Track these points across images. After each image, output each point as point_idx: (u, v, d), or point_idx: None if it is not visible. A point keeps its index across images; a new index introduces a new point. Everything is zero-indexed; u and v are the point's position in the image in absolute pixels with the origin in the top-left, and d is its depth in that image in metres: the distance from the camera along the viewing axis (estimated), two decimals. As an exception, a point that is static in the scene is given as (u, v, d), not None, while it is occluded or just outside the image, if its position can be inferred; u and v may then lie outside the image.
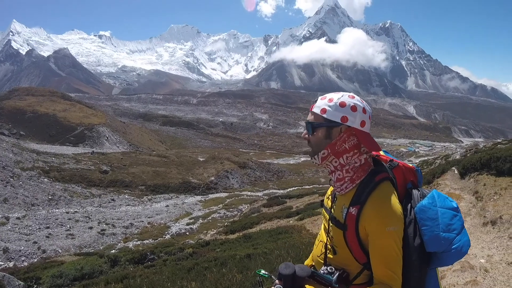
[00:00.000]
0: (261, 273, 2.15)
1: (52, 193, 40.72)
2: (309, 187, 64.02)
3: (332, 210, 2.21)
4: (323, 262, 2.20)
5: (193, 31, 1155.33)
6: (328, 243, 2.20)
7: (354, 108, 2.04)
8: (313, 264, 2.40)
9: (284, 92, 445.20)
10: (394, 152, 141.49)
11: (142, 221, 37.16)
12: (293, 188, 62.49)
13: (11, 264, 23.41)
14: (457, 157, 27.95)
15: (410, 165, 2.20)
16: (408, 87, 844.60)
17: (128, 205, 43.41)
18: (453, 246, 1.89)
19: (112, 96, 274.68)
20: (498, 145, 28.60)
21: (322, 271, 2.07)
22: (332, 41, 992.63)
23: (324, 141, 2.07)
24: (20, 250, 26.01)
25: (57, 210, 37.01)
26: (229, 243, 16.24)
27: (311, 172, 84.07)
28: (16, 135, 77.36)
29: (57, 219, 33.96)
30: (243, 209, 41.96)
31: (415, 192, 2.07)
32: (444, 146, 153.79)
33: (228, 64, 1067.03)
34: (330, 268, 2.07)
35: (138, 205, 44.13)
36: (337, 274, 2.03)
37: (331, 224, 2.17)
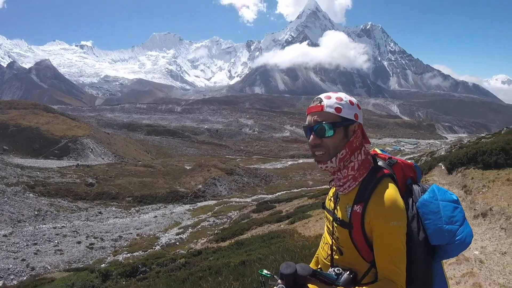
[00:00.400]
0: (263, 273, 2.14)
1: (38, 208, 40.23)
2: (297, 190, 64.20)
3: (336, 211, 2.20)
4: (329, 262, 2.20)
5: (175, 38, 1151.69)
6: (333, 244, 2.19)
7: (358, 105, 2.09)
8: (319, 267, 2.38)
9: (268, 97, 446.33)
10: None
11: (131, 233, 36.88)
12: (282, 192, 62.62)
13: (0, 283, 23.02)
14: (442, 153, 28.26)
15: (409, 161, 2.21)
16: (391, 87, 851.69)
17: (116, 217, 43.04)
18: (457, 238, 1.91)
19: (96, 107, 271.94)
20: (482, 139, 28.91)
21: (330, 271, 2.07)
22: (314, 44, 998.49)
23: (343, 141, 2.04)
24: (8, 269, 25.63)
25: (44, 226, 36.50)
26: (222, 251, 16.11)
27: (298, 175, 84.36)
28: (-1, 150, 76.42)
29: (44, 235, 33.51)
30: (233, 216, 41.87)
31: (415, 187, 2.09)
32: (429, 143, 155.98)
33: (212, 71, 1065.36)
34: (338, 269, 2.06)
35: (126, 217, 43.75)
36: (345, 274, 2.02)
37: (335, 225, 2.16)
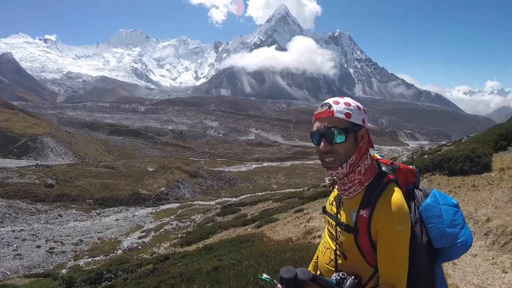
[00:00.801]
0: (263, 277, 2.21)
1: (-5, 211, 39.28)
2: (261, 193, 64.42)
3: (339, 215, 2.23)
4: (333, 268, 2.23)
5: (142, 36, 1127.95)
6: (337, 249, 2.22)
7: (364, 110, 2.16)
8: (319, 273, 2.43)
9: (234, 99, 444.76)
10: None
11: (92, 237, 36.25)
12: (246, 196, 62.71)
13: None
14: (404, 159, 29.30)
15: (410, 167, 2.30)
16: (355, 94, 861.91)
17: (76, 220, 42.24)
18: (459, 240, 1.99)
19: (57, 104, 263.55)
20: (443, 147, 30.18)
21: (334, 277, 2.10)
22: (282, 49, 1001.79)
23: (353, 146, 2.08)
24: (-36, 275, 25.02)
25: (2, 229, 35.63)
26: (190, 256, 15.84)
27: (263, 179, 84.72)
28: (-45, 148, 74.15)
29: (3, 239, 32.74)
30: (196, 219, 41.78)
31: (418, 192, 2.17)
32: (391, 150, 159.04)
33: (178, 71, 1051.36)
34: (342, 274, 2.09)
35: (87, 220, 42.99)
36: (350, 278, 2.06)
37: (339, 229, 2.19)
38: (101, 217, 44.81)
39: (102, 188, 53.47)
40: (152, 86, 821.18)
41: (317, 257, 2.61)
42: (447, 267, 6.66)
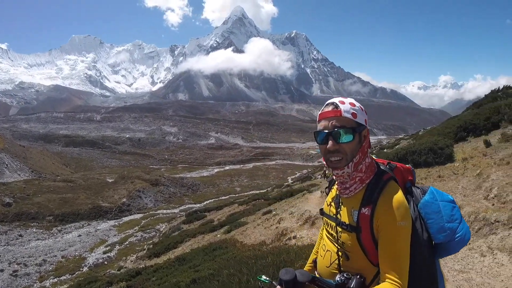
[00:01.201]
0: (262, 278, 2.20)
1: (-49, 235, 37.60)
2: (225, 197, 64.50)
3: (339, 215, 2.22)
4: (336, 270, 2.21)
5: (95, 41, 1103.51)
6: (339, 250, 2.20)
7: (365, 111, 2.16)
8: (318, 275, 2.37)
9: (192, 104, 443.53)
10: (305, 155, 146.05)
11: (56, 256, 35.13)
12: (210, 201, 62.60)
13: None
14: None
15: (407, 165, 2.32)
16: (313, 93, 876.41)
17: (38, 239, 40.66)
18: (457, 235, 2.03)
19: (10, 117, 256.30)
20: (401, 141, 30.72)
21: (338, 278, 2.07)
22: (239, 50, 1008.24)
23: (358, 146, 2.09)
24: None
25: (-40, 256, 34.02)
26: (163, 269, 15.43)
27: (225, 182, 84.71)
28: None
29: (-38, 266, 31.31)
30: (161, 229, 41.33)
31: (415, 189, 2.21)
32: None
33: (133, 76, 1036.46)
34: (347, 274, 2.08)
35: (49, 238, 41.45)
36: (356, 278, 2.04)
37: (339, 230, 2.18)
38: (63, 234, 43.40)
39: (61, 203, 51.76)
40: (107, 93, 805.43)
41: (313, 261, 2.63)
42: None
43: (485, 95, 23.69)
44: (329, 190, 2.49)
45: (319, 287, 2.05)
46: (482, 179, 9.56)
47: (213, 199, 64.08)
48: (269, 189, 62.07)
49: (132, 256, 30.87)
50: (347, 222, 2.12)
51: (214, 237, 21.82)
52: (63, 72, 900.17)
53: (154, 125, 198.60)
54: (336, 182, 2.28)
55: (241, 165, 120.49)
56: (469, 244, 6.92)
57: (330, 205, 2.36)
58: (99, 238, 41.26)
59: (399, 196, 2.00)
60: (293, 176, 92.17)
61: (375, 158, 2.33)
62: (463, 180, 10.43)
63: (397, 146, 29.94)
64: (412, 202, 2.12)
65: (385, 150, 19.48)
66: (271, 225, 17.17)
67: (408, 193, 2.19)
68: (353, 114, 2.05)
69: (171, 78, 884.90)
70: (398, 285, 1.87)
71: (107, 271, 26.43)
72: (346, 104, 2.08)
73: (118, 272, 23.10)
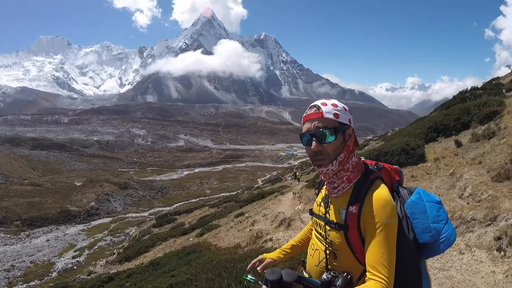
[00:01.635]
0: (247, 278, 2.22)
1: None
2: (195, 200, 64.54)
3: (327, 215, 2.23)
4: (324, 268, 2.21)
5: (63, 42, 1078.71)
6: (327, 249, 2.20)
7: (349, 110, 2.17)
8: (308, 275, 2.39)
9: (161, 106, 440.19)
10: (274, 157, 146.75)
11: (24, 261, 34.45)
12: (180, 204, 62.59)
13: None
14: None
15: (394, 166, 2.35)
16: (282, 95, 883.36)
17: (6, 244, 39.83)
18: (443, 236, 2.04)
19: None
20: (370, 142, 31.15)
21: (325, 276, 2.06)
22: (208, 52, 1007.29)
23: (342, 144, 2.10)
24: None
25: None
26: (137, 275, 15.10)
27: (195, 185, 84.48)
28: None
29: None
30: (131, 233, 41.01)
31: (402, 190, 2.23)
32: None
33: (101, 78, 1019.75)
34: (334, 273, 2.08)
35: (16, 243, 40.64)
36: (342, 276, 2.04)
37: (328, 228, 2.19)
38: (31, 238, 42.60)
39: (29, 207, 50.66)
40: (75, 95, 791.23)
41: (291, 246, 2.73)
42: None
43: (454, 96, 24.11)
44: (319, 191, 2.50)
45: (305, 286, 2.07)
46: (456, 178, 9.70)
47: (183, 202, 64.08)
48: (239, 191, 62.16)
49: (102, 260, 30.48)
50: (335, 221, 2.15)
51: (186, 240, 21.64)
52: (30, 73, 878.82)
53: (123, 128, 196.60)
54: (325, 183, 2.29)
55: (211, 168, 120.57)
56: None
57: (320, 205, 2.36)
58: (67, 242, 40.68)
59: (386, 194, 2.01)
60: (263, 178, 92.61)
61: (363, 159, 2.33)
62: (437, 180, 10.56)
63: (366, 147, 30.30)
64: (399, 202, 2.15)
65: (366, 150, 19.78)
66: (245, 228, 17.14)
67: (395, 193, 2.21)
68: (335, 114, 2.08)
69: (139, 80, 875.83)
70: (384, 282, 1.87)
71: (77, 276, 26.00)
72: (328, 106, 2.11)
73: (88, 277, 22.70)
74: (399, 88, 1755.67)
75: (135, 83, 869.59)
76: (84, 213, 52.35)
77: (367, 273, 1.96)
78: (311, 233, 2.58)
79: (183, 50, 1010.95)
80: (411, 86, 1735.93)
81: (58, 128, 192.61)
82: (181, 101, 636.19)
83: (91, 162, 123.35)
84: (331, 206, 2.22)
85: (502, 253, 5.85)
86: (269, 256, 2.61)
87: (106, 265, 26.44)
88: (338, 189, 2.17)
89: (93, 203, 55.82)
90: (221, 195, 66.94)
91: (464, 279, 5.71)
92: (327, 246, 2.19)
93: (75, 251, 37.17)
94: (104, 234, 43.40)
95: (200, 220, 29.02)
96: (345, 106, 2.15)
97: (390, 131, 50.28)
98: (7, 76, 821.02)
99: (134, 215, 54.64)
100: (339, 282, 2.01)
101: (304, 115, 2.21)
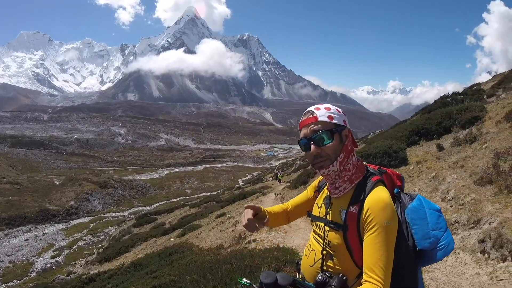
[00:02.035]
0: (242, 281, 2.16)
1: None
2: (175, 200, 64.47)
3: (327, 216, 2.24)
4: (319, 269, 2.21)
5: (44, 38, 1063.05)
6: (323, 249, 2.21)
7: (343, 112, 2.21)
8: (301, 276, 2.40)
9: (142, 104, 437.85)
10: (255, 157, 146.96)
11: (3, 261, 34.11)
12: (160, 203, 62.46)
13: None
14: None
15: (397, 172, 2.34)
16: (264, 96, 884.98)
17: (-16, 244, 39.24)
18: (441, 243, 2.03)
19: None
20: None
21: (320, 277, 2.06)
22: (191, 51, 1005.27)
23: (339, 145, 2.13)
24: None
25: None
26: (119, 275, 14.88)
27: (176, 184, 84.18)
28: None
29: None
30: (111, 232, 40.78)
31: (404, 196, 2.20)
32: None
33: (82, 75, 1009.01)
34: (329, 273, 2.08)
35: (-6, 242, 40.13)
36: (338, 277, 2.03)
37: (327, 229, 2.20)
38: (9, 238, 42.15)
39: (7, 206, 49.96)
40: (55, 92, 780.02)
41: (276, 212, 2.68)
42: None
43: (435, 101, 24.48)
44: (319, 193, 2.51)
45: None
46: (438, 181, 9.85)
47: (163, 202, 63.98)
48: (220, 191, 62.10)
49: (81, 260, 30.26)
50: (334, 221, 2.15)
51: (167, 240, 21.56)
52: (10, 69, 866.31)
53: (103, 126, 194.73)
54: (327, 184, 2.32)
55: (192, 167, 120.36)
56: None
57: (321, 206, 2.36)
58: (46, 242, 40.29)
59: (386, 197, 2.01)
60: (244, 178, 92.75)
61: (365, 163, 2.35)
62: (419, 183, 10.71)
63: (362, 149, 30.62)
64: (400, 207, 2.14)
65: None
66: (227, 228, 17.14)
67: (396, 198, 2.20)
68: (329, 117, 2.12)
69: (120, 77, 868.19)
70: (380, 285, 1.86)
71: (56, 276, 25.75)
72: (321, 110, 2.16)
73: (68, 277, 22.46)
74: (380, 91, 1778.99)
75: (116, 81, 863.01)
76: (63, 212, 51.83)
77: (363, 275, 1.95)
78: (286, 213, 2.70)
79: (165, 48, 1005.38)
80: (392, 90, 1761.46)
81: (38, 126, 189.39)
82: (163, 100, 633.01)
83: (71, 160, 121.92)
84: (332, 207, 2.23)
85: (486, 255, 5.98)
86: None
87: (85, 265, 26.20)
88: (339, 190, 2.19)
89: (72, 202, 55.30)
90: (201, 195, 66.89)
91: (449, 281, 5.81)
92: (324, 246, 2.20)
93: (54, 250, 36.88)
94: (84, 233, 43.10)
95: (181, 220, 28.94)
96: (338, 109, 2.20)
97: (371, 133, 50.81)
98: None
99: (113, 214, 54.34)
100: (334, 283, 2.00)
101: (299, 122, 2.26)
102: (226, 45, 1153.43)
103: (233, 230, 15.94)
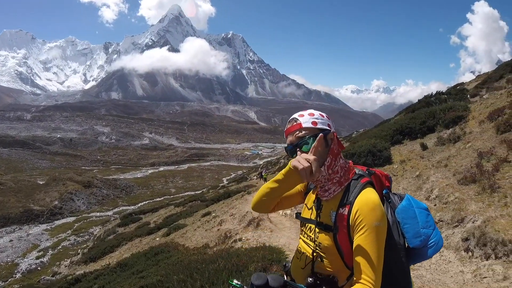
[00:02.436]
0: (233, 283, 2.14)
1: None
2: (160, 199, 64.41)
3: (318, 218, 2.23)
4: (309, 271, 2.21)
5: (27, 37, 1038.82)
6: (314, 252, 2.21)
7: (327, 116, 2.21)
8: (291, 278, 2.41)
9: (126, 103, 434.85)
10: (240, 156, 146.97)
11: (-13, 262, 33.59)
12: (144, 202, 62.33)
13: None
14: None
15: (385, 172, 2.38)
16: (249, 95, 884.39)
17: (-33, 245, 38.83)
18: (431, 241, 2.06)
19: None
20: None
21: (310, 279, 2.08)
22: (175, 50, 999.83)
23: (325, 149, 2.14)
24: None
25: None
26: (105, 276, 14.69)
27: (160, 184, 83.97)
28: None
29: None
30: (95, 232, 40.58)
31: (393, 196, 2.24)
32: (284, 147, 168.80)
33: (65, 74, 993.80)
34: (319, 275, 2.11)
35: (-21, 243, 39.67)
36: (327, 280, 2.06)
37: (317, 230, 2.20)
38: (-7, 239, 41.72)
39: (-9, 207, 49.26)
40: (38, 91, 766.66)
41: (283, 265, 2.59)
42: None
43: (419, 100, 24.73)
44: (308, 192, 2.49)
45: None
46: (422, 180, 9.98)
47: (147, 201, 63.83)
48: (204, 190, 62.06)
49: (66, 261, 30.05)
50: (324, 223, 2.15)
51: (152, 240, 21.49)
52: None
53: (86, 125, 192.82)
54: (316, 187, 2.32)
55: (176, 166, 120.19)
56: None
57: (311, 208, 2.36)
58: (31, 242, 40.10)
59: (375, 198, 2.02)
60: (229, 177, 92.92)
61: (353, 164, 2.37)
62: (403, 182, 10.85)
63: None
64: (389, 208, 2.17)
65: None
66: (212, 227, 17.12)
67: (385, 198, 2.23)
68: (313, 122, 2.13)
69: (104, 76, 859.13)
70: (371, 286, 1.88)
71: (42, 277, 25.53)
72: (305, 116, 2.17)
73: (53, 278, 22.27)
74: (364, 90, 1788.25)
75: (99, 80, 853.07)
76: (48, 213, 51.40)
77: (354, 276, 1.97)
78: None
79: (149, 46, 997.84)
80: (376, 89, 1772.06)
81: (21, 125, 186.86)
82: (146, 98, 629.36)
83: (54, 160, 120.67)
84: (322, 209, 2.23)
85: (470, 253, 6.09)
86: None
87: (70, 265, 26.02)
88: (329, 192, 2.19)
89: (56, 202, 54.87)
90: (186, 194, 66.80)
91: (434, 278, 5.90)
92: (314, 248, 2.20)
93: (39, 251, 36.77)
94: (68, 233, 42.88)
95: (166, 219, 28.87)
96: (322, 113, 2.22)
97: (355, 132, 51.10)
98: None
99: (98, 214, 54.14)
100: (324, 285, 2.04)
101: (284, 130, 2.26)
102: (210, 43, 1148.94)
103: (218, 229, 15.95)
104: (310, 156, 2.00)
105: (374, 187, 2.16)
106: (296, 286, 2.05)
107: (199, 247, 13.84)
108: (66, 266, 27.03)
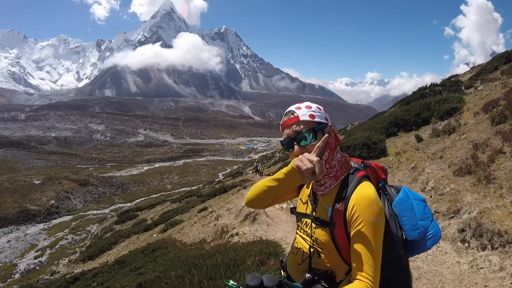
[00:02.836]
0: (229, 283, 2.13)
1: None
2: (156, 195, 64.50)
3: (314, 213, 2.21)
4: (307, 267, 2.18)
5: (19, 36, 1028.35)
6: (311, 247, 2.19)
7: (324, 109, 2.18)
8: (286, 275, 2.42)
9: (120, 100, 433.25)
10: (235, 151, 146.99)
11: (-15, 263, 33.52)
12: (141, 199, 62.33)
13: None
14: None
15: (381, 165, 2.35)
16: (243, 89, 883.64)
17: (-35, 247, 38.75)
18: (430, 232, 2.05)
19: None
20: None
21: (308, 275, 2.05)
22: (167, 45, 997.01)
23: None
24: None
25: None
26: (103, 274, 14.62)
27: (156, 180, 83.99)
28: None
29: None
30: (93, 230, 40.56)
31: (390, 188, 2.24)
32: (280, 141, 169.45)
33: (58, 73, 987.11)
34: (317, 270, 2.08)
35: (-23, 245, 39.57)
36: (325, 275, 2.04)
37: (313, 226, 2.18)
38: (-9, 240, 41.64)
39: (-12, 208, 49.13)
40: (32, 91, 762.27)
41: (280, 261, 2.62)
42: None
43: (413, 92, 24.68)
44: (299, 190, 2.48)
45: None
46: (417, 172, 10.02)
47: (144, 198, 63.87)
48: (200, 185, 62.07)
49: (64, 260, 30.03)
50: (321, 218, 2.12)
51: (150, 236, 21.47)
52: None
53: (81, 123, 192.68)
54: (312, 182, 2.25)
55: (171, 162, 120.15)
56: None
57: (306, 203, 2.33)
58: (29, 242, 40.17)
59: (372, 192, 1.99)
60: (224, 172, 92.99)
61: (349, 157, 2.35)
62: (399, 174, 10.88)
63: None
64: (386, 200, 2.15)
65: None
66: (209, 223, 17.11)
67: (382, 191, 2.22)
68: (310, 115, 2.09)
69: (97, 74, 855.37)
70: (369, 282, 1.85)
71: (40, 277, 25.57)
72: (302, 109, 2.12)
73: (52, 277, 22.25)
74: (358, 83, 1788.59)
75: (92, 77, 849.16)
76: (44, 212, 51.44)
77: (352, 272, 1.95)
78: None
79: (142, 43, 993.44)
80: (370, 81, 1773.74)
81: (15, 125, 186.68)
82: (140, 95, 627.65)
83: (50, 159, 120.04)
84: (318, 204, 2.20)
85: (466, 244, 6.13)
86: None
87: (69, 264, 25.98)
88: (325, 187, 2.15)
89: (53, 201, 54.86)
90: (182, 190, 66.85)
91: (431, 270, 5.93)
92: (311, 244, 2.18)
93: (37, 251, 36.85)
94: (65, 232, 42.92)
95: (163, 215, 28.89)
96: (319, 106, 2.18)
97: (350, 125, 51.15)
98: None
99: (94, 212, 54.21)
100: (322, 280, 2.01)
101: (281, 122, 2.22)
102: (203, 38, 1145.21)
103: (215, 224, 15.95)
104: (314, 157, 1.92)
105: (370, 180, 2.13)
106: (291, 284, 2.06)
107: (196, 243, 13.81)
108: (64, 265, 27.01)
